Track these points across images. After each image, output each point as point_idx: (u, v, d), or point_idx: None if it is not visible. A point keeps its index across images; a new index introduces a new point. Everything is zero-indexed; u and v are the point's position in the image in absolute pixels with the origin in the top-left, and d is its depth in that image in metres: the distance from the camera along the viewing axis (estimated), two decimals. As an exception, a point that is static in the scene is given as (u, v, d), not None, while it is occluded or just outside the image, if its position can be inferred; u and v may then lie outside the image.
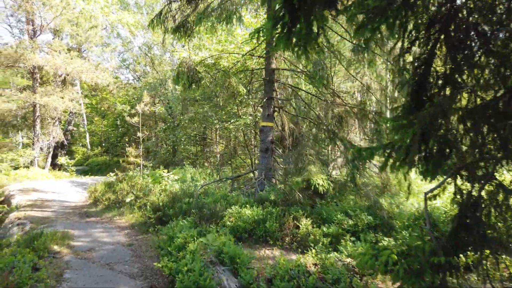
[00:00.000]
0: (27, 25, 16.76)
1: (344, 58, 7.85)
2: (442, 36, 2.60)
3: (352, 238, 5.67)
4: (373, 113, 8.26)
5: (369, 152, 2.73)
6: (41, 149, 17.75)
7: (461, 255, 3.11)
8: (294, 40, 2.47)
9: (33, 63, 15.54)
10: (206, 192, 8.79)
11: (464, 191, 2.77)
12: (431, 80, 2.69)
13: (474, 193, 2.68)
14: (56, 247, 5.45)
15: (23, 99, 15.93)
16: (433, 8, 2.66)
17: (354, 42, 7.01)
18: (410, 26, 2.61)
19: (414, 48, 2.75)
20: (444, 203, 6.09)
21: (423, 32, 2.65)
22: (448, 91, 2.65)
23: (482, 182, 2.62)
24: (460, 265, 2.78)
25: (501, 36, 2.51)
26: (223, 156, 16.15)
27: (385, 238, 5.55)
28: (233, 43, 12.97)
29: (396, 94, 8.29)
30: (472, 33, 2.52)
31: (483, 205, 2.64)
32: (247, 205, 7.03)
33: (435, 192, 3.02)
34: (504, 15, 2.43)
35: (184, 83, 7.86)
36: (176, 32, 7.73)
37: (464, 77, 2.63)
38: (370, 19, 2.35)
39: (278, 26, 2.43)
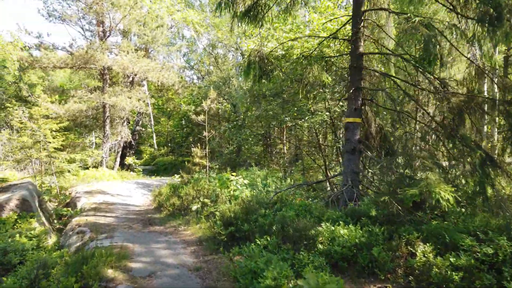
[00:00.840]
0: (97, 27, 17.18)
1: (458, 30, 5.67)
2: None
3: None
4: (504, 104, 5.97)
5: None
6: (110, 149, 18.07)
7: None
8: None
9: (103, 64, 15.74)
10: (281, 199, 7.22)
11: None
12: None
13: None
14: (110, 272, 4.29)
15: (93, 99, 16.26)
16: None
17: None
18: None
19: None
20: None
21: None
22: None
23: None
24: None
25: None
26: (293, 156, 14.53)
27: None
28: (308, 29, 11.20)
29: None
30: None
31: None
32: (339, 222, 5.24)
33: None
34: None
35: (255, 74, 7.26)
36: (245, 16, 6.89)
37: None
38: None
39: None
